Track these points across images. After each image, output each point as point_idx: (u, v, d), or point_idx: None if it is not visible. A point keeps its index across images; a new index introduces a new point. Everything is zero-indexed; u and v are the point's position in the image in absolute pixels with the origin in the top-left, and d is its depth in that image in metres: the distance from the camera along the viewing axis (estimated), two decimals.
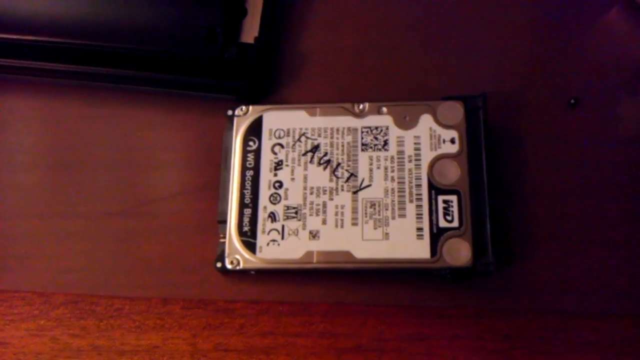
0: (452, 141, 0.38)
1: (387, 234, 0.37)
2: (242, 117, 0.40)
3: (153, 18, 0.41)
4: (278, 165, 0.39)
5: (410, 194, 0.37)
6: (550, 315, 0.37)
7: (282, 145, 0.39)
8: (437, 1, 0.45)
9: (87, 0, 0.41)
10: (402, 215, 0.37)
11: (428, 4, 0.45)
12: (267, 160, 0.39)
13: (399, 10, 0.45)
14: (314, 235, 0.37)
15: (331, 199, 0.38)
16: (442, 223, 0.37)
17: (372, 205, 0.38)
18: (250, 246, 0.38)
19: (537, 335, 0.37)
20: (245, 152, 0.40)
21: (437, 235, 0.36)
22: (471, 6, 0.44)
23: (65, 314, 0.39)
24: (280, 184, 0.39)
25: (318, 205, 0.38)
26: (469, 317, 0.38)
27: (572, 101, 0.41)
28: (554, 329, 0.37)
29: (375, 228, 0.37)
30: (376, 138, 0.39)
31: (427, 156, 0.38)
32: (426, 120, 0.39)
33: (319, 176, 0.39)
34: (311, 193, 0.38)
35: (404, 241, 0.37)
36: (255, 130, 0.40)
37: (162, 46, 0.41)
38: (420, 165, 0.38)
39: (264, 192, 0.39)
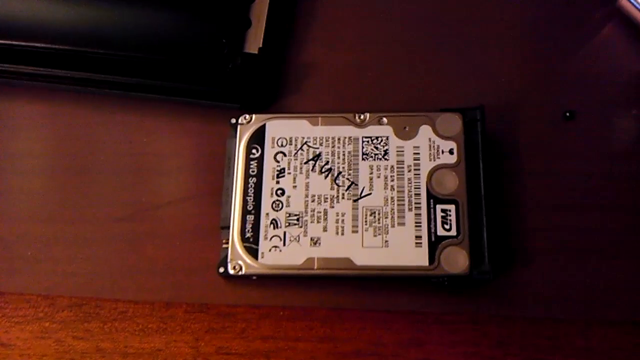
0: (451, 152, 0.39)
1: (386, 241, 0.38)
2: (246, 126, 0.41)
3: (160, 27, 0.42)
4: (280, 173, 0.40)
5: (410, 202, 0.38)
6: (545, 322, 0.38)
7: (284, 154, 0.40)
8: (437, 16, 0.46)
9: (96, 8, 0.42)
10: (402, 224, 0.38)
11: (428, 18, 0.46)
12: (269, 167, 0.40)
13: (400, 24, 0.46)
14: (314, 242, 0.38)
15: (332, 207, 0.39)
16: (440, 232, 0.38)
17: (372, 213, 0.38)
18: (253, 252, 0.38)
19: (531, 342, 0.38)
20: (248, 160, 0.40)
21: (435, 244, 0.37)
22: (470, 21, 0.45)
23: (70, 316, 0.40)
24: (282, 192, 0.39)
25: (319, 212, 0.39)
26: (465, 324, 0.38)
27: (567, 114, 0.42)
28: (548, 336, 0.38)
29: (375, 236, 0.38)
30: (376, 148, 0.40)
31: (426, 166, 0.39)
32: (425, 131, 0.40)
33: (320, 184, 0.39)
34: (312, 201, 0.39)
35: (402, 249, 0.37)
36: (258, 138, 0.41)
37: (169, 55, 0.41)
38: (419, 174, 0.39)
39: (267, 199, 0.39)
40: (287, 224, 0.39)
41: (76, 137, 0.44)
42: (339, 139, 0.40)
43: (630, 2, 0.43)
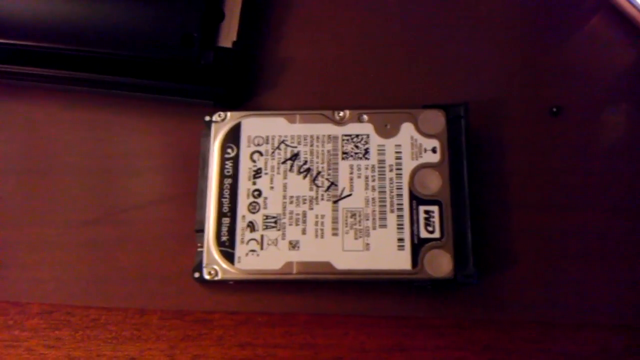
0: (434, 150, 0.38)
1: (367, 244, 0.37)
2: (220, 124, 0.40)
3: (129, 22, 0.40)
4: (257, 174, 0.38)
5: (392, 204, 0.37)
6: (531, 326, 0.37)
7: (261, 153, 0.39)
8: (419, 9, 0.44)
9: (63, 4, 0.40)
10: (383, 226, 0.37)
11: (410, 12, 0.44)
12: (245, 168, 0.39)
13: (381, 17, 0.44)
14: (293, 245, 0.37)
15: (311, 209, 0.37)
16: (424, 234, 0.36)
17: (353, 215, 0.37)
18: (229, 256, 0.37)
19: (518, 346, 0.37)
20: (223, 160, 0.39)
21: (418, 246, 0.36)
22: (453, 15, 0.44)
23: (41, 324, 0.39)
24: (259, 193, 0.38)
25: (298, 214, 0.37)
26: (450, 328, 0.37)
27: (554, 110, 0.41)
28: (534, 340, 0.37)
29: (355, 238, 0.37)
30: (357, 146, 0.38)
31: (408, 165, 0.38)
32: (407, 129, 0.38)
33: (299, 185, 0.38)
34: (291, 202, 0.38)
35: (384, 252, 0.36)
36: (233, 137, 0.39)
37: (138, 51, 0.40)
38: (401, 174, 0.38)
39: (243, 201, 0.38)
40: (264, 227, 0.37)
41: (43, 137, 0.42)
42: (317, 137, 0.39)
43: None
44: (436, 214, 0.37)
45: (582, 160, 0.40)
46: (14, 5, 0.40)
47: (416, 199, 0.37)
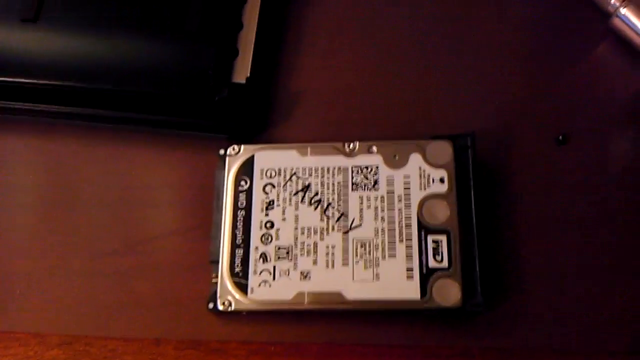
0: (442, 180, 0.38)
1: (377, 274, 0.37)
2: (234, 157, 0.41)
3: (147, 60, 0.41)
4: (269, 205, 0.39)
5: (400, 233, 0.38)
6: (541, 353, 0.37)
7: (273, 185, 0.40)
8: (427, 40, 0.45)
9: (83, 43, 0.42)
10: (392, 255, 0.37)
11: (417, 43, 0.45)
12: (258, 200, 0.39)
13: (389, 50, 0.45)
14: (305, 275, 0.38)
15: (322, 239, 0.38)
16: (432, 263, 0.37)
17: (363, 245, 0.38)
18: (242, 287, 0.38)
19: None
20: (237, 192, 0.40)
21: (426, 276, 0.37)
22: (460, 45, 0.45)
23: (60, 355, 0.39)
24: (271, 224, 0.39)
25: (309, 245, 0.38)
26: (459, 356, 0.38)
27: (560, 138, 0.41)
28: None
29: (365, 268, 0.37)
30: (366, 177, 0.39)
31: (416, 196, 0.38)
32: (415, 160, 0.39)
33: (310, 216, 0.39)
34: (302, 233, 0.38)
35: (394, 281, 0.37)
36: (247, 170, 0.40)
37: (155, 88, 0.41)
38: (410, 205, 0.38)
39: (256, 233, 0.39)
40: (276, 258, 0.38)
41: (64, 171, 0.44)
42: (328, 169, 0.40)
43: (623, 21, 0.42)
44: (444, 244, 0.37)
45: (589, 188, 0.40)
46: (34, 44, 0.42)
47: (424, 229, 0.38)
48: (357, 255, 0.38)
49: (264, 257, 0.38)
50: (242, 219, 0.39)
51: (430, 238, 0.37)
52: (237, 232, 0.39)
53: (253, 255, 0.38)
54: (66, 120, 0.44)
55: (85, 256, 0.41)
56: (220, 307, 0.38)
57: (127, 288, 0.40)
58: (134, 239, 0.42)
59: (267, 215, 0.39)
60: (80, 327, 0.40)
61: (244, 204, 0.39)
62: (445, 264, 0.37)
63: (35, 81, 0.41)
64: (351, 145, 0.40)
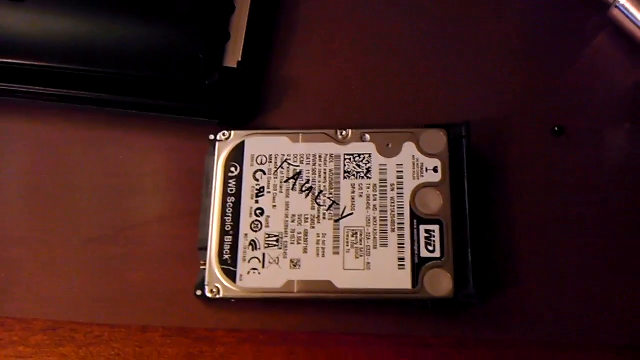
0: (435, 170, 0.38)
1: (368, 263, 0.37)
2: (224, 142, 0.40)
3: (136, 43, 0.41)
4: (260, 192, 0.39)
5: (392, 223, 0.37)
6: (534, 345, 0.37)
7: (264, 172, 0.39)
8: (422, 29, 0.44)
9: (70, 24, 0.41)
10: (384, 245, 0.37)
11: (413, 31, 0.44)
12: (248, 186, 0.39)
13: (384, 37, 0.44)
14: (295, 264, 0.37)
15: (313, 227, 0.38)
16: (424, 253, 0.36)
17: (354, 234, 0.37)
18: (231, 274, 0.37)
19: None
20: (226, 178, 0.39)
21: (418, 266, 0.36)
22: (456, 35, 0.44)
23: (45, 340, 0.39)
24: (261, 212, 0.38)
25: (299, 233, 0.38)
26: (451, 347, 0.37)
27: (556, 129, 0.41)
28: None
29: (356, 257, 0.37)
30: (359, 166, 0.39)
31: (409, 185, 0.38)
32: (409, 148, 0.38)
33: (301, 204, 0.38)
34: (293, 221, 0.38)
35: (385, 271, 0.36)
36: (237, 156, 0.40)
37: (145, 70, 0.40)
38: (402, 194, 0.38)
39: (245, 220, 0.38)
40: (266, 245, 0.38)
41: (50, 155, 0.43)
42: (320, 156, 0.39)
43: (622, 12, 0.41)
44: (437, 234, 0.37)
45: (584, 180, 0.40)
46: (23, 26, 0.41)
47: (417, 219, 0.37)
48: (348, 244, 0.37)
49: (253, 244, 0.38)
50: (231, 205, 0.39)
51: (422, 228, 0.37)
52: (227, 219, 0.38)
53: (242, 243, 0.38)
54: (52, 103, 0.42)
55: (71, 242, 0.41)
56: (209, 294, 0.37)
57: (114, 274, 0.40)
58: (121, 225, 0.41)
59: (257, 202, 0.38)
60: (66, 313, 0.39)
61: (234, 190, 0.39)
62: (437, 254, 0.36)
63: (22, 62, 0.41)
64: (344, 133, 0.39)
